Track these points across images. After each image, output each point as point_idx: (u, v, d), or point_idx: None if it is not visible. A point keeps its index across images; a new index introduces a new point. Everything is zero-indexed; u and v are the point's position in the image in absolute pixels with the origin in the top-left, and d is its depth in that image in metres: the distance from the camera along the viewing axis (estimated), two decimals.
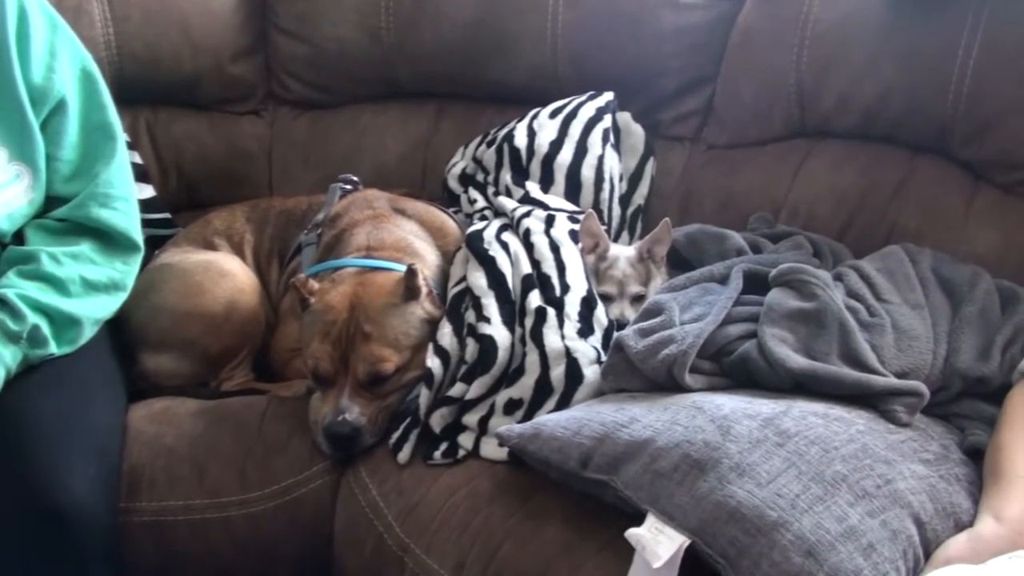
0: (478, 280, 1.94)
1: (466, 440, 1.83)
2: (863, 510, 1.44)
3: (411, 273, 1.91)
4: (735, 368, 1.71)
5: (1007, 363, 1.75)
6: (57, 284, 1.88)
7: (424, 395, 1.85)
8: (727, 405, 1.58)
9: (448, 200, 2.42)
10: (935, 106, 2.10)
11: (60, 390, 1.84)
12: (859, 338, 1.73)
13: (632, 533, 1.48)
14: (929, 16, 2.10)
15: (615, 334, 1.78)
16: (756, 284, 1.87)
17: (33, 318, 1.83)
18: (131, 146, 2.45)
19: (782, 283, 1.81)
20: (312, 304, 1.93)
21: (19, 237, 1.95)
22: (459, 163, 2.47)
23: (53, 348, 1.87)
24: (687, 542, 1.44)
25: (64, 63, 1.95)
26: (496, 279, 1.94)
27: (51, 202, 1.97)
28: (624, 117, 2.42)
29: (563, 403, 1.78)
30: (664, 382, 1.70)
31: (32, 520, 1.71)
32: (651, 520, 1.49)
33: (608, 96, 2.39)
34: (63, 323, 1.88)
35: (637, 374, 1.73)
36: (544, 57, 2.47)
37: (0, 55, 1.87)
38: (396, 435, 1.86)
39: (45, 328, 1.85)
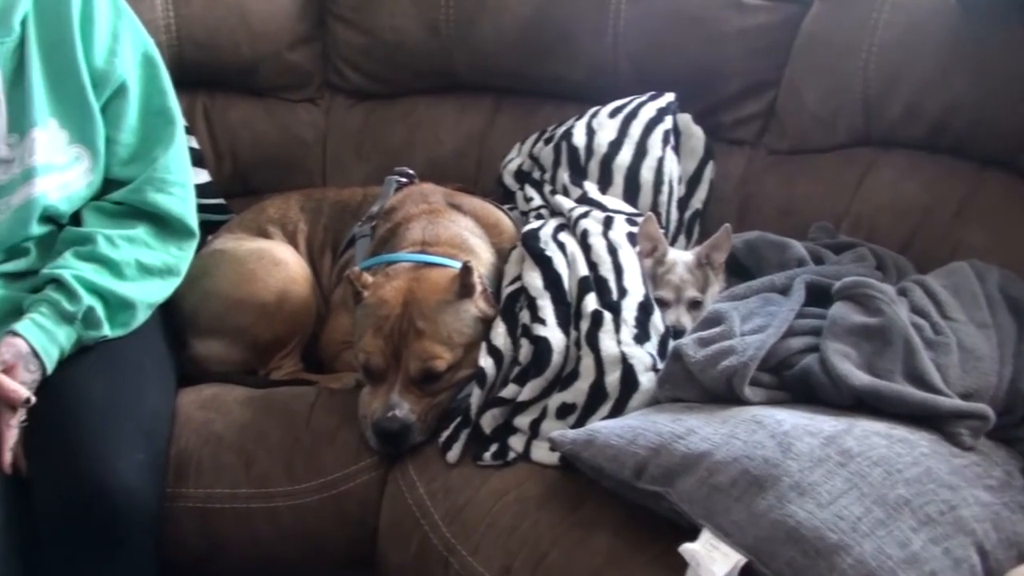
0: (534, 280, 1.92)
1: (517, 443, 1.81)
2: (926, 536, 1.41)
3: (466, 270, 1.89)
4: (796, 382, 1.68)
5: None
6: (113, 267, 1.88)
7: (476, 395, 1.83)
8: (788, 421, 1.55)
9: (503, 196, 2.40)
10: (1006, 120, 2.05)
11: (112, 373, 1.84)
12: (924, 356, 1.69)
13: (687, 548, 1.45)
14: (1003, 26, 2.05)
15: (673, 342, 1.76)
16: (818, 296, 1.83)
17: (88, 299, 1.83)
18: (188, 131, 2.45)
19: (846, 297, 1.77)
20: (365, 298, 1.92)
21: (76, 218, 1.95)
22: (515, 159, 2.44)
23: (107, 330, 1.86)
24: (743, 561, 1.41)
25: (126, 47, 1.95)
26: (552, 280, 1.91)
27: (109, 185, 1.97)
28: (684, 119, 2.38)
29: (617, 410, 1.75)
30: (722, 393, 1.67)
31: (79, 501, 1.71)
32: (706, 536, 1.46)
33: (669, 97, 2.35)
34: (117, 306, 1.88)
35: (695, 384, 1.70)
36: (604, 54, 2.44)
37: (64, 38, 1.87)
38: (446, 434, 1.84)
39: (100, 310, 1.85)
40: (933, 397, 1.63)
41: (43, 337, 1.79)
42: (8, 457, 1.73)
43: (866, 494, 1.44)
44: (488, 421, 1.82)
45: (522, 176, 2.38)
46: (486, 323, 1.92)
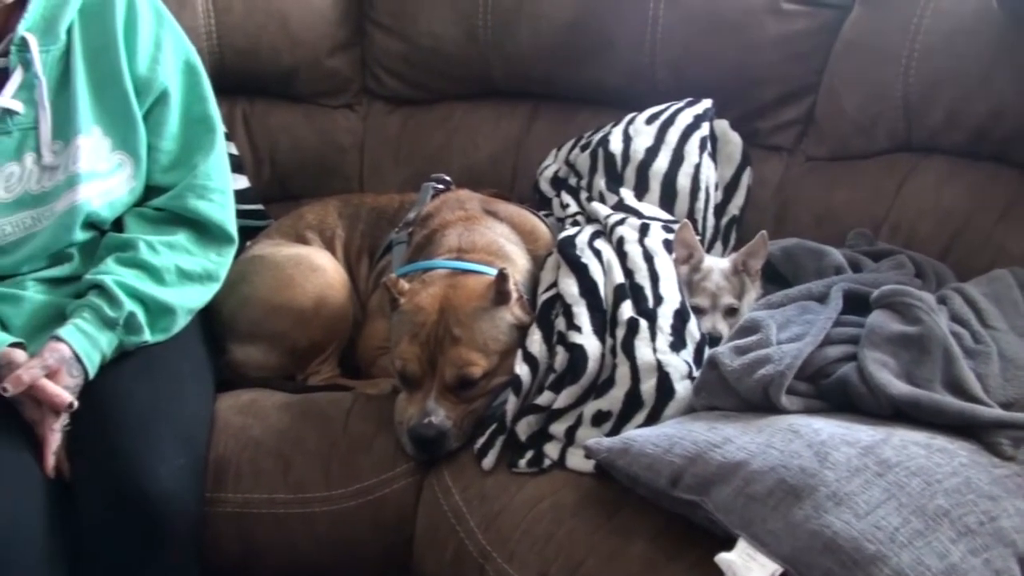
0: (569, 287, 1.92)
1: (552, 450, 1.81)
2: (965, 547, 1.39)
3: (502, 277, 1.89)
4: (833, 391, 1.67)
5: None
6: (153, 272, 1.91)
7: (511, 402, 1.83)
8: (825, 430, 1.54)
9: (539, 203, 2.40)
10: None
11: (153, 378, 1.86)
12: (964, 366, 1.67)
13: (723, 558, 1.44)
14: None
15: (710, 350, 1.75)
16: (856, 304, 1.82)
17: (129, 305, 1.85)
18: (227, 136, 2.47)
19: (884, 305, 1.76)
20: (402, 304, 1.93)
21: (118, 224, 1.98)
22: (551, 166, 2.45)
23: (147, 336, 1.89)
24: (780, 571, 1.40)
25: (168, 55, 1.97)
26: (588, 287, 1.91)
27: (150, 191, 2.00)
28: (722, 125, 2.38)
29: (653, 418, 1.75)
30: (759, 402, 1.66)
31: (120, 506, 1.73)
32: (742, 545, 1.45)
33: (706, 103, 2.35)
34: (158, 311, 1.90)
35: (731, 393, 1.69)
36: (642, 60, 2.44)
37: (108, 46, 1.90)
38: (481, 441, 1.85)
39: (140, 316, 1.87)
40: (973, 406, 1.61)
41: (86, 342, 1.81)
42: (52, 461, 1.76)
43: (904, 504, 1.43)
44: (523, 428, 1.82)
45: (558, 183, 2.38)
46: (522, 330, 1.92)
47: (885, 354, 1.66)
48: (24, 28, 1.82)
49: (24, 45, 1.82)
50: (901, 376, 1.65)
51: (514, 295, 1.92)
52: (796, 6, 2.35)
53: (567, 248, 2.01)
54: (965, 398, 1.63)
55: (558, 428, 1.81)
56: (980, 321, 1.80)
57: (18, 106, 1.84)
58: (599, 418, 1.78)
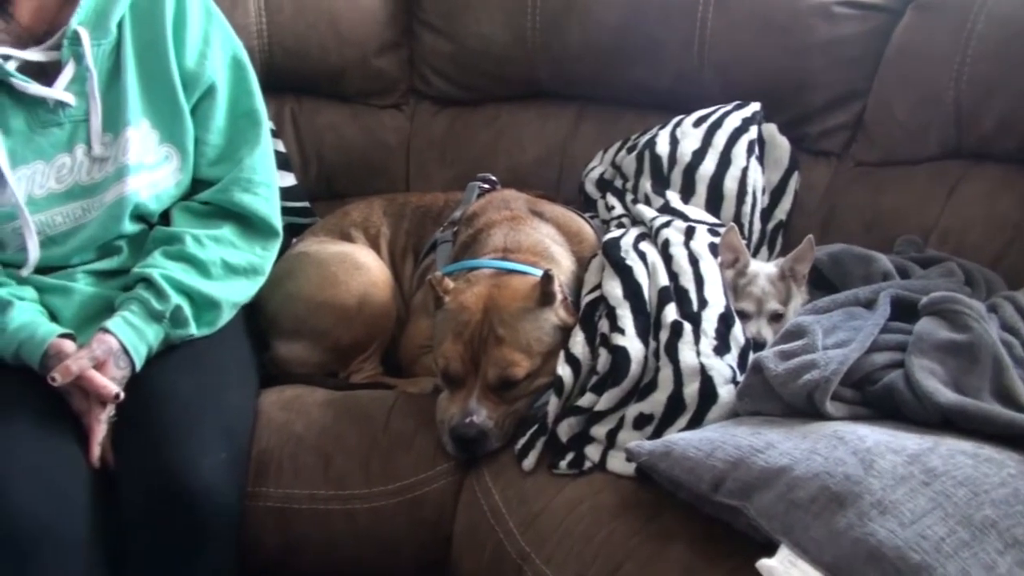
0: (613, 289, 1.91)
1: (593, 452, 1.80)
2: (1013, 559, 1.37)
3: (547, 279, 1.89)
4: (879, 398, 1.64)
5: None
6: (200, 266, 1.92)
7: (553, 403, 1.82)
8: (870, 437, 1.52)
9: (584, 204, 2.40)
10: None
11: (197, 372, 1.88)
12: (1014, 375, 1.64)
13: (764, 564, 1.43)
14: None
15: (753, 355, 1.73)
16: (904, 311, 1.80)
17: (176, 298, 1.87)
18: (275, 134, 2.50)
19: (933, 312, 1.73)
20: (446, 303, 1.93)
21: (166, 217, 2.00)
22: (597, 167, 2.44)
23: (193, 329, 1.90)
24: None
25: (216, 50, 1.99)
26: (632, 289, 1.90)
27: (196, 185, 2.02)
28: (770, 129, 2.36)
29: (695, 422, 1.74)
30: (803, 408, 1.64)
31: (163, 498, 1.74)
32: (784, 552, 1.43)
33: (755, 106, 2.33)
34: (204, 305, 1.92)
35: (775, 398, 1.67)
36: (690, 63, 2.43)
37: (157, 41, 1.92)
38: (522, 441, 1.84)
39: (187, 309, 1.89)
40: (1022, 416, 1.59)
41: (133, 335, 1.83)
42: (97, 451, 1.78)
43: (950, 514, 1.40)
44: (564, 430, 1.82)
45: (604, 184, 2.38)
46: (565, 331, 1.91)
47: (933, 361, 1.64)
48: (77, 22, 1.85)
49: (76, 39, 1.85)
50: (949, 384, 1.62)
51: (559, 296, 1.91)
52: (847, 9, 2.32)
53: (612, 250, 2.00)
54: (1015, 407, 1.60)
55: (599, 430, 1.80)
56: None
57: (70, 98, 1.86)
58: (641, 421, 1.77)
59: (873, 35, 2.31)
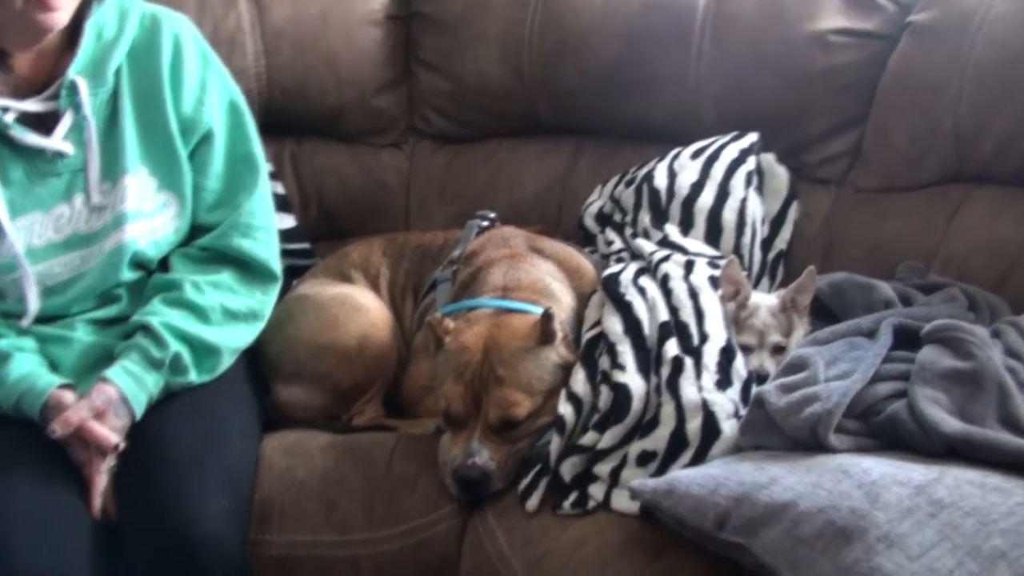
0: (613, 325, 1.90)
1: (597, 491, 1.78)
2: None
3: (547, 317, 1.88)
4: (883, 429, 1.63)
5: None
6: (199, 312, 1.92)
7: (555, 442, 1.81)
8: (875, 469, 1.50)
9: (583, 239, 2.39)
10: None
11: (198, 419, 1.87)
12: (1020, 401, 1.63)
13: None
14: None
15: (755, 388, 1.72)
16: (907, 340, 1.78)
17: (175, 346, 1.87)
18: (275, 176, 2.51)
19: (936, 340, 1.72)
20: (446, 344, 1.92)
21: (165, 264, 2.00)
22: (596, 202, 2.43)
23: (193, 376, 1.90)
24: None
25: (213, 95, 1.99)
26: (632, 325, 1.89)
27: (195, 231, 2.02)
28: (768, 158, 2.35)
29: (698, 458, 1.72)
30: (807, 441, 1.63)
31: (165, 548, 1.74)
32: None
33: (752, 137, 2.33)
34: (203, 351, 1.91)
35: (778, 432, 1.66)
36: (687, 95, 2.43)
37: (154, 88, 1.93)
38: (525, 482, 1.83)
39: (186, 356, 1.88)
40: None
41: (133, 384, 1.83)
42: (98, 503, 1.77)
43: (959, 546, 1.39)
44: (567, 469, 1.80)
45: (603, 219, 2.37)
46: (566, 370, 1.90)
47: (937, 390, 1.63)
48: (74, 72, 1.86)
49: (74, 88, 1.86)
50: (954, 413, 1.61)
51: (559, 334, 1.90)
52: (842, 38, 2.32)
53: (611, 285, 1.99)
54: (1021, 435, 1.59)
55: (603, 469, 1.78)
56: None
57: (68, 148, 1.87)
58: (644, 458, 1.75)
59: (869, 63, 2.31)
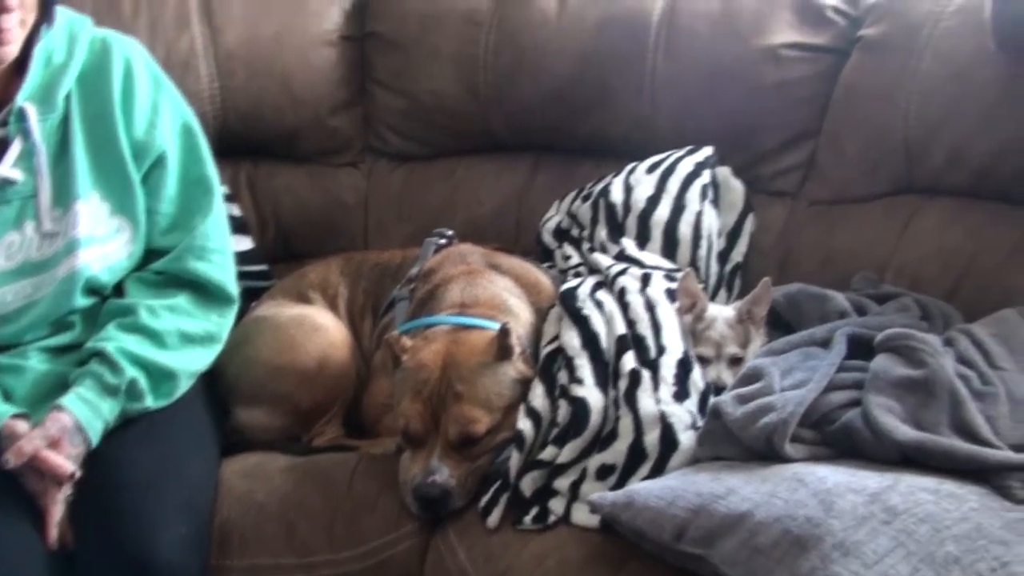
0: (571, 340, 1.90)
1: (557, 505, 1.78)
2: None
3: (504, 332, 1.88)
4: (838, 438, 1.64)
5: None
6: (155, 337, 1.90)
7: (515, 458, 1.81)
8: (830, 478, 1.51)
9: (541, 255, 2.40)
10: None
11: (155, 445, 1.86)
12: (972, 408, 1.65)
13: None
14: None
15: (712, 399, 1.73)
16: (861, 349, 1.80)
17: (131, 371, 1.85)
18: (231, 198, 2.50)
19: (889, 349, 1.74)
20: (404, 362, 1.92)
21: (120, 289, 1.98)
22: (554, 217, 2.44)
23: (150, 402, 1.88)
24: None
25: (166, 118, 1.99)
26: (589, 339, 1.90)
27: (149, 255, 2.00)
28: (723, 172, 2.37)
29: (657, 470, 1.72)
30: (763, 451, 1.64)
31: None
32: None
33: (707, 151, 2.34)
34: (160, 376, 1.90)
35: (735, 442, 1.67)
36: (642, 110, 2.45)
37: (105, 113, 1.92)
38: (486, 499, 1.82)
39: (142, 381, 1.87)
40: (981, 450, 1.59)
41: (88, 411, 1.81)
42: (54, 533, 1.75)
43: (913, 552, 1.40)
44: (528, 484, 1.80)
45: (561, 234, 2.38)
46: (525, 385, 1.90)
47: (890, 399, 1.64)
48: (23, 98, 1.84)
49: (23, 115, 1.84)
50: (907, 421, 1.63)
51: (517, 350, 1.91)
52: (795, 52, 2.35)
53: (569, 300, 2.00)
54: (974, 441, 1.61)
55: (562, 483, 1.78)
56: (988, 362, 1.77)
57: (17, 175, 1.85)
58: (603, 472, 1.76)
59: (821, 76, 2.34)
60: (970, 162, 2.13)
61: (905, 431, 1.60)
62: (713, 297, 2.22)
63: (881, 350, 1.74)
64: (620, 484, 1.73)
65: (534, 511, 1.78)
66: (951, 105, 2.13)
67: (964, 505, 1.49)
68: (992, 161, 2.10)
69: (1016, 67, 2.06)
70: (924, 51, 2.18)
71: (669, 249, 2.23)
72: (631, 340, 1.88)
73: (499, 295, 2.07)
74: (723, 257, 2.31)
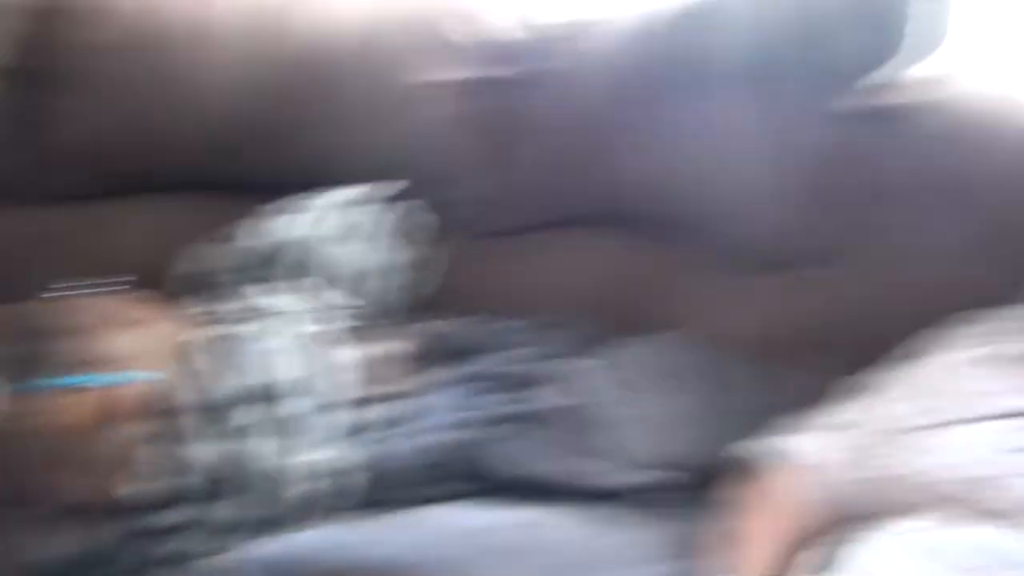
0: (203, 392, 1.83)
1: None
2: None
3: (123, 391, 1.79)
4: (459, 477, 1.68)
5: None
6: None
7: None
8: (433, 520, 1.53)
9: (187, 302, 2.29)
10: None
11: None
12: (597, 434, 1.71)
13: None
14: None
15: (346, 447, 1.71)
16: (507, 384, 1.83)
17: None
18: None
19: (516, 384, 1.78)
20: None
21: None
22: (204, 263, 2.34)
23: None
24: None
25: None
26: (219, 392, 1.83)
27: None
28: (385, 208, 2.35)
29: (296, 523, 1.69)
30: (400, 495, 1.67)
31: None
32: None
33: (370, 187, 2.32)
34: None
35: (379, 488, 1.67)
36: (306, 148, 2.42)
37: None
38: None
39: None
40: (605, 474, 1.64)
41: None
42: None
43: None
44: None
45: (206, 281, 2.29)
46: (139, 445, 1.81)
47: (511, 433, 1.68)
48: None
49: None
50: (532, 454, 1.66)
51: (135, 409, 1.81)
52: (465, 86, 2.37)
53: (202, 350, 1.92)
54: (599, 466, 1.66)
55: (184, 545, 1.71)
56: (619, 387, 1.85)
57: None
58: (231, 529, 1.70)
59: (496, 109, 2.37)
60: (624, 193, 2.21)
61: (527, 464, 1.65)
62: (371, 336, 2.20)
63: (507, 386, 1.79)
64: (257, 540, 1.68)
65: None
66: (589, 143, 2.23)
67: (582, 529, 1.54)
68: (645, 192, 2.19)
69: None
70: (567, 91, 2.27)
71: (331, 286, 2.19)
72: (266, 388, 1.84)
73: (125, 350, 1.96)
74: (385, 294, 2.29)
